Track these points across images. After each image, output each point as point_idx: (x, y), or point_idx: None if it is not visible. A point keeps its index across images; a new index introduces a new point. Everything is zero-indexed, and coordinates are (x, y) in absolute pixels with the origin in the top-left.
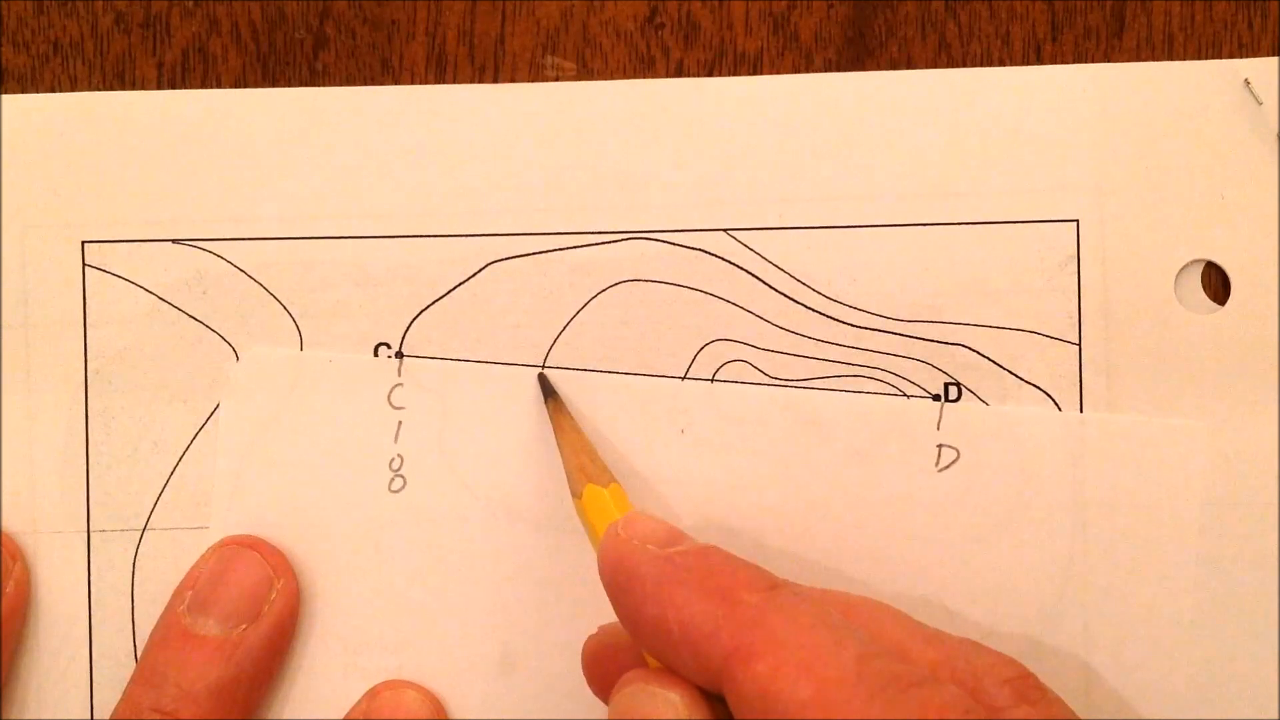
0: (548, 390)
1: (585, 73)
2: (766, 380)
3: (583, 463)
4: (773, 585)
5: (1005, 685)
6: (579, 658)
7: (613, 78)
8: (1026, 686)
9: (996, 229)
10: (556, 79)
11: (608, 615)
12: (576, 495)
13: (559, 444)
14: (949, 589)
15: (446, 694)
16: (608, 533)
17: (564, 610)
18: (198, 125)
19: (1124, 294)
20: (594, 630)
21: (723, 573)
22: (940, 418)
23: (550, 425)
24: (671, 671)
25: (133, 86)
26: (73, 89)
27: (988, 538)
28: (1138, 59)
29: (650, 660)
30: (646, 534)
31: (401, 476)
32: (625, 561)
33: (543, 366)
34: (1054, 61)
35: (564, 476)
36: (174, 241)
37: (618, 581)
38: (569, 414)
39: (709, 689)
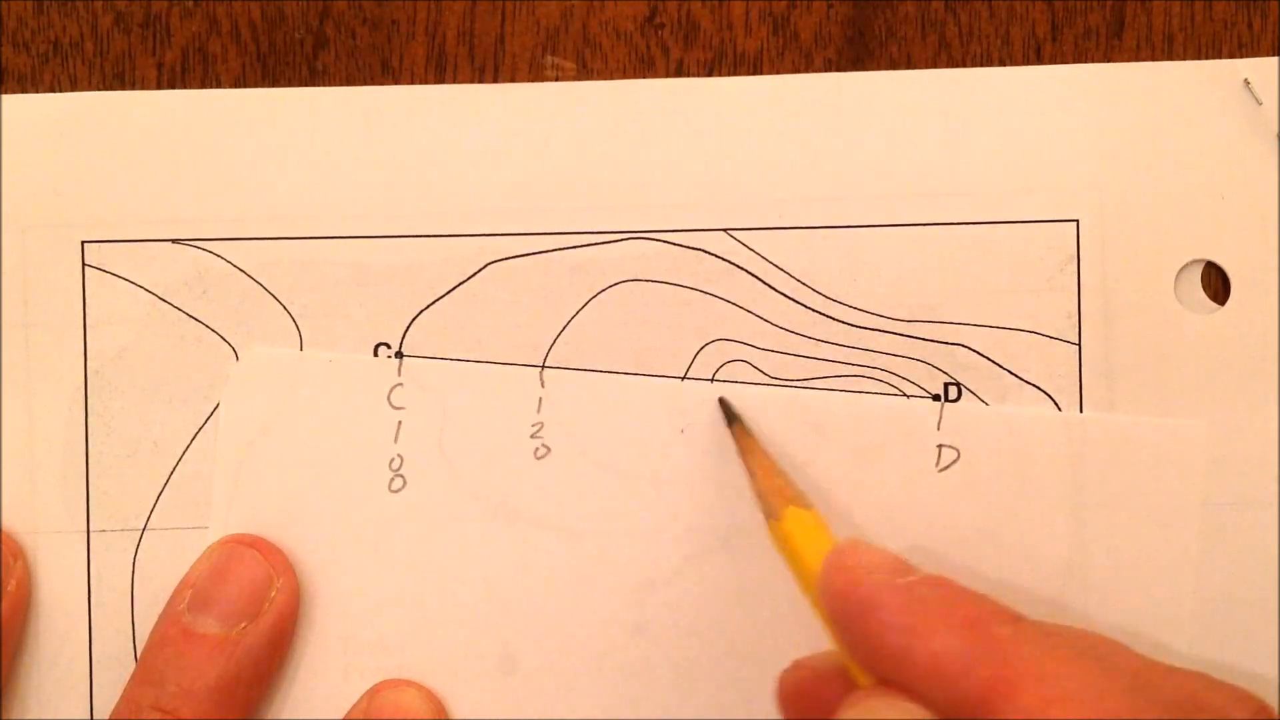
0: (730, 415)
1: (585, 73)
2: (766, 380)
3: (779, 485)
4: (1018, 618)
5: None
6: (579, 657)
7: (613, 78)
8: None
9: (996, 229)
10: (556, 79)
11: (608, 617)
12: (774, 517)
13: (748, 467)
14: None
15: (446, 694)
16: (831, 561)
17: (564, 610)
18: (198, 125)
19: (1124, 294)
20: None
21: (966, 604)
22: (940, 418)
23: (736, 448)
24: (906, 690)
25: (133, 86)
26: (73, 89)
27: (988, 538)
28: (1138, 59)
29: (863, 680)
30: (875, 563)
31: (401, 476)
32: (859, 591)
33: (543, 366)
34: (1054, 61)
35: (564, 475)
36: (174, 241)
37: (850, 611)
38: (755, 436)
39: (950, 717)
